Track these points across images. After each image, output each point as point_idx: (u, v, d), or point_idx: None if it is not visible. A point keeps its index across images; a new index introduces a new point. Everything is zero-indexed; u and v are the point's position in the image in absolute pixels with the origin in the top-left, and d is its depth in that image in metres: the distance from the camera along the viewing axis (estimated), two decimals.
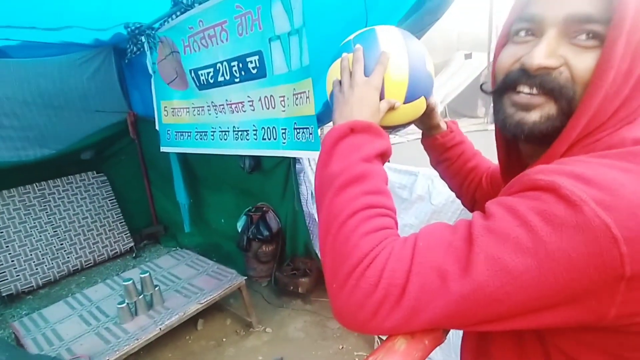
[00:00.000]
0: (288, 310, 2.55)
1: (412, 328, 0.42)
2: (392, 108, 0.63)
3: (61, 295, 2.80)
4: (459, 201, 1.54)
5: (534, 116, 0.46)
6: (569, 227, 0.35)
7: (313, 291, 2.61)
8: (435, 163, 0.88)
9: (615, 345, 0.41)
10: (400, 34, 0.67)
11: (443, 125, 0.81)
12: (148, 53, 2.47)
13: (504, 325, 0.40)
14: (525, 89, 0.46)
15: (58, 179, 3.13)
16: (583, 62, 0.42)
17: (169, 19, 2.22)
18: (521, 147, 0.56)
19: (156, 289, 2.11)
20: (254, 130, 2.01)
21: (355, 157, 0.50)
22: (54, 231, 3.02)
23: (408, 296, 0.40)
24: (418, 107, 0.69)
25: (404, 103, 0.66)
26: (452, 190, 0.92)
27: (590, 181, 0.36)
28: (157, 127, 2.67)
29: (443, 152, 0.84)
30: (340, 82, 0.62)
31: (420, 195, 1.58)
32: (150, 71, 2.52)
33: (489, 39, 9.33)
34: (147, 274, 2.12)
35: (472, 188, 0.84)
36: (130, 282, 2.02)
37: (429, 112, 0.76)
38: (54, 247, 2.99)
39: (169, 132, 2.62)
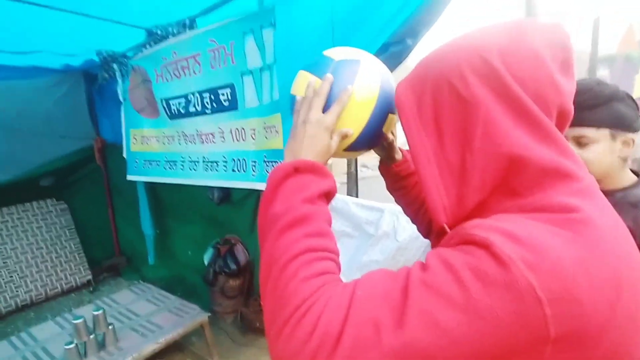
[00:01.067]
0: (254, 349, 2.43)
1: None
2: (345, 136, 0.63)
3: (6, 333, 2.56)
4: (423, 239, 1.55)
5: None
6: (498, 286, 0.36)
7: None
8: (391, 190, 0.90)
9: None
10: (379, 77, 0.65)
11: (398, 156, 0.83)
12: (120, 81, 2.45)
13: None
14: None
15: (13, 206, 2.95)
16: None
17: (143, 49, 2.23)
18: None
19: (110, 327, 1.97)
20: (224, 161, 1.99)
21: (298, 198, 0.50)
22: (4, 262, 2.81)
23: (342, 346, 0.39)
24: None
25: (351, 147, 0.66)
26: (407, 216, 0.93)
27: (521, 241, 0.37)
28: (124, 155, 2.60)
29: (397, 180, 0.85)
30: (299, 109, 0.62)
31: (386, 232, 1.59)
32: (121, 98, 2.49)
33: None
34: (101, 311, 1.98)
35: (427, 217, 0.85)
36: (81, 320, 1.88)
37: (387, 146, 0.79)
38: (2, 279, 2.77)
39: (137, 160, 2.56)
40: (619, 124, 0.86)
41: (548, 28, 0.47)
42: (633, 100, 0.89)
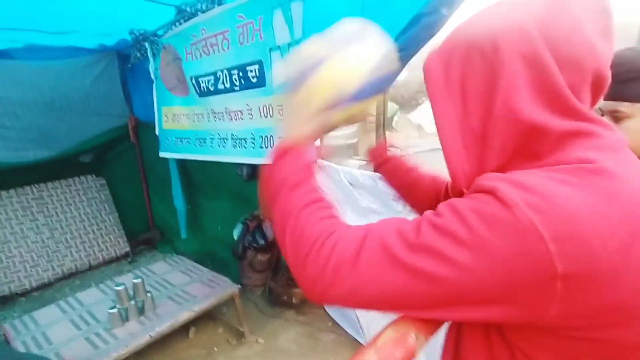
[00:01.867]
0: (281, 321, 2.52)
1: (360, 300, 0.47)
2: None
3: (54, 298, 2.78)
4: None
5: None
6: (502, 225, 0.39)
7: (307, 302, 2.58)
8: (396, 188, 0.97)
9: (568, 350, 0.44)
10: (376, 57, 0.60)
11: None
12: (151, 59, 2.51)
13: (447, 314, 0.45)
14: None
15: (57, 181, 3.14)
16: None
17: (173, 27, 2.26)
18: None
19: (148, 295, 2.09)
20: (252, 138, 2.02)
21: (297, 165, 0.58)
22: (51, 233, 3.02)
23: (357, 271, 0.45)
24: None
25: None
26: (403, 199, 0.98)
27: (527, 187, 0.40)
28: (157, 133, 2.68)
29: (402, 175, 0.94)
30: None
31: None
32: (153, 77, 2.55)
33: None
34: (140, 279, 2.10)
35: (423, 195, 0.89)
36: (123, 287, 2.01)
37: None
38: (50, 249, 2.99)
39: (168, 138, 2.64)
40: None
41: None
42: None
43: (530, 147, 0.47)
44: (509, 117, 0.46)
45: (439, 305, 0.44)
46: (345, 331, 2.33)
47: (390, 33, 1.45)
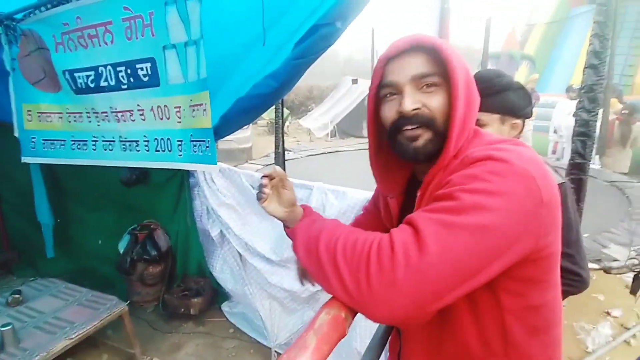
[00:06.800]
0: (178, 335, 2.37)
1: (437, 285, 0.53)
2: None
3: None
4: (349, 214, 1.68)
5: (420, 142, 0.65)
6: (509, 174, 0.54)
7: (206, 311, 2.48)
8: None
9: (537, 272, 0.59)
10: None
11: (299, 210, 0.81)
12: (6, 47, 2.10)
13: (504, 261, 0.53)
14: (409, 127, 0.65)
15: None
16: (434, 101, 0.64)
17: (36, 11, 1.94)
18: (414, 166, 0.76)
19: (8, 327, 1.74)
20: (145, 140, 1.87)
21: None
22: None
23: (425, 255, 0.53)
24: None
25: None
26: None
27: (502, 150, 0.57)
28: (16, 134, 2.25)
29: None
30: None
31: (315, 208, 1.67)
32: (9, 68, 2.14)
33: (372, 67, 10.28)
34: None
35: None
36: None
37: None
38: None
39: (33, 139, 2.24)
40: (508, 111, 1.03)
41: None
42: (527, 92, 1.07)
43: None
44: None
45: (498, 255, 0.52)
46: (249, 336, 2.32)
47: (289, 41, 1.53)
